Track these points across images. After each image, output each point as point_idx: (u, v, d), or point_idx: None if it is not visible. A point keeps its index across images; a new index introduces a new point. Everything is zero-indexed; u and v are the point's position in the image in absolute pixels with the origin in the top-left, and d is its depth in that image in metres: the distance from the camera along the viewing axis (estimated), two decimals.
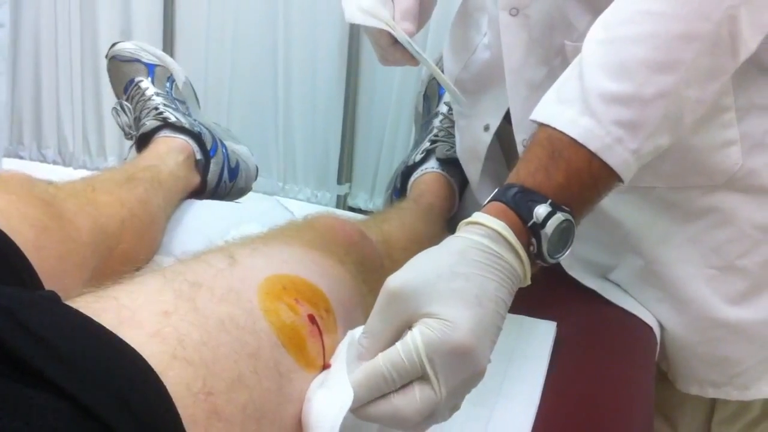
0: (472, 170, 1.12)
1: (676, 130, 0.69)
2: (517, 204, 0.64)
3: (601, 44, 0.70)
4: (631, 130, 0.66)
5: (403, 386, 0.56)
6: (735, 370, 0.97)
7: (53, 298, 0.50)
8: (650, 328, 0.97)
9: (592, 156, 0.65)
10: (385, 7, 0.94)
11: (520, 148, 0.96)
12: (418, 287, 0.58)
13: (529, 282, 0.64)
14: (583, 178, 0.65)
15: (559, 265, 0.67)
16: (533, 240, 0.63)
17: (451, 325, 0.55)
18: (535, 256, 0.63)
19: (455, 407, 0.59)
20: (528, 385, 0.80)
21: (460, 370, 0.56)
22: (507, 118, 1.01)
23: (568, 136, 0.66)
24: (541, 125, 0.69)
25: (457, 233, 0.63)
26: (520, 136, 0.96)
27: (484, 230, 0.62)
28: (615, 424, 0.80)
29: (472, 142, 1.10)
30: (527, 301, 0.65)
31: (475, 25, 1.07)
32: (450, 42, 1.15)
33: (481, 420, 0.74)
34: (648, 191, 0.92)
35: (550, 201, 0.63)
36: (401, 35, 0.92)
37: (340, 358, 0.60)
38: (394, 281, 0.59)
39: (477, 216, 0.63)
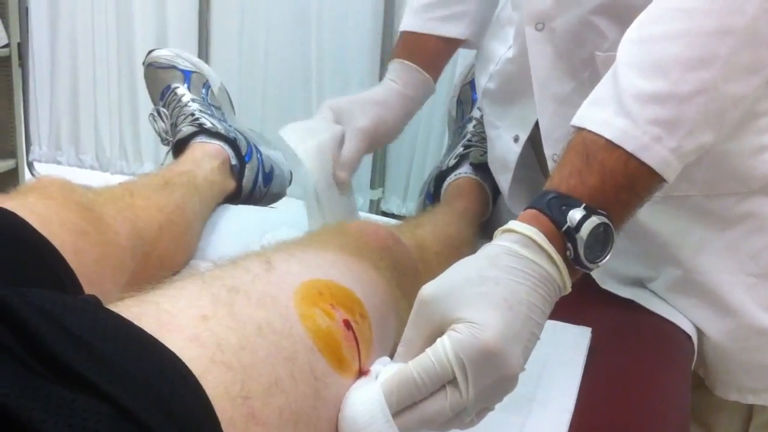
0: (503, 180, 1.12)
1: (719, 127, 0.68)
2: (551, 209, 0.63)
3: (634, 44, 0.69)
4: (668, 128, 0.65)
5: (434, 392, 0.56)
6: None
7: (94, 302, 0.51)
8: (687, 335, 0.96)
9: (628, 157, 0.65)
10: (332, 147, 0.99)
11: (550, 163, 0.96)
12: (447, 294, 0.59)
13: (569, 290, 0.63)
14: (618, 179, 0.65)
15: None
16: (569, 245, 0.62)
17: (478, 327, 0.56)
18: (573, 262, 0.63)
19: (484, 412, 0.59)
20: (562, 392, 0.80)
21: (489, 373, 0.56)
22: (538, 126, 1.01)
23: (603, 137, 0.66)
24: (577, 129, 0.69)
25: (492, 241, 0.64)
26: (550, 150, 0.96)
27: (516, 236, 0.62)
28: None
29: (503, 153, 1.10)
30: (561, 307, 0.64)
31: (504, 38, 1.07)
32: (477, 51, 1.16)
33: (514, 427, 0.74)
34: (683, 200, 0.91)
35: (584, 205, 0.63)
36: (312, 176, 0.97)
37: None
38: (426, 290, 0.60)
39: (511, 224, 0.63)
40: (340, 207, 1.00)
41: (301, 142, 0.97)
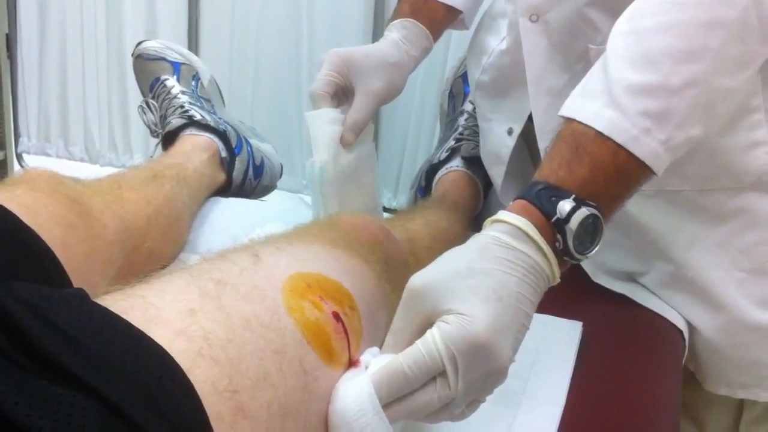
0: (496, 173, 1.12)
1: (708, 120, 0.68)
2: (541, 200, 0.63)
3: (625, 36, 0.69)
4: (658, 120, 0.65)
5: (424, 384, 0.56)
6: (765, 373, 0.96)
7: (81, 296, 0.50)
8: (678, 330, 0.96)
9: (618, 148, 0.65)
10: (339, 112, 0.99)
11: (543, 156, 0.96)
12: (437, 285, 0.59)
13: (558, 280, 0.63)
14: (608, 171, 0.65)
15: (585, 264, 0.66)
16: (558, 236, 0.62)
17: (468, 318, 0.56)
18: (562, 253, 0.63)
19: (474, 404, 0.59)
20: (553, 386, 0.80)
21: (479, 364, 0.56)
22: (532, 119, 1.00)
23: (592, 129, 0.66)
24: (566, 120, 0.69)
25: (481, 232, 0.63)
26: (543, 143, 0.96)
27: (506, 227, 0.62)
28: (641, 426, 0.79)
29: (496, 146, 1.09)
30: (552, 301, 0.64)
31: (496, 30, 1.07)
32: (470, 45, 1.16)
33: (505, 421, 0.74)
34: (675, 195, 0.91)
35: (574, 196, 0.63)
36: (318, 164, 0.97)
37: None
38: (415, 280, 0.60)
39: (500, 214, 0.63)
40: (348, 201, 0.99)
41: (318, 133, 0.97)
